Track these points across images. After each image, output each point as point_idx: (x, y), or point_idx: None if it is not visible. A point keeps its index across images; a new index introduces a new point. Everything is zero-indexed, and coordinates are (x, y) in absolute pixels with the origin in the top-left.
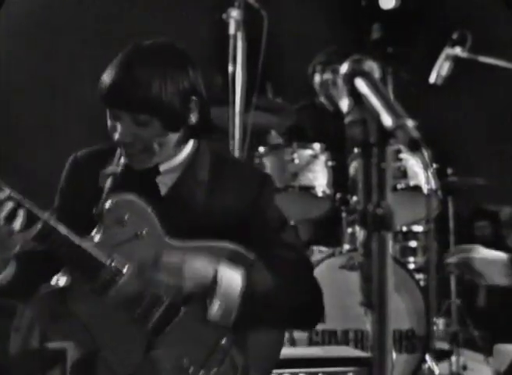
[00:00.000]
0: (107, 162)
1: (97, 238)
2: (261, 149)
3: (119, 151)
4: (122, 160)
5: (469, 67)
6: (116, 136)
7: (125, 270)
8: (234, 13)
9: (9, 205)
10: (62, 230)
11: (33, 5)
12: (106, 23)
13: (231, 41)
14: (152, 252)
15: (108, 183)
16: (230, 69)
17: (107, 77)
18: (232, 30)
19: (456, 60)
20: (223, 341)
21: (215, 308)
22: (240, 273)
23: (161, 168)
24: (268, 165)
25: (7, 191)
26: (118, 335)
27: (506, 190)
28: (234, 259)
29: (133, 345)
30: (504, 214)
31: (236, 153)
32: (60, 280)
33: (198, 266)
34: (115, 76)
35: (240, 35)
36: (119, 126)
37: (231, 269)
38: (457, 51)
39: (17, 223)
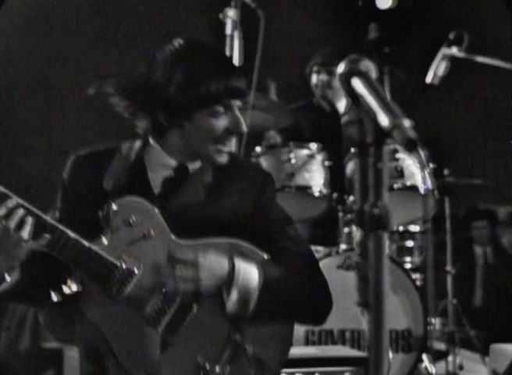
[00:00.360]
0: (108, 163)
1: (105, 241)
2: (258, 149)
3: (123, 151)
4: (131, 160)
5: (466, 67)
6: (239, 125)
7: (136, 271)
8: (231, 13)
9: (18, 212)
10: (72, 234)
11: (33, 5)
12: (103, 23)
13: (228, 41)
14: (162, 251)
15: (113, 184)
16: None
17: (226, 78)
18: (228, 29)
19: (452, 60)
20: (236, 336)
21: (234, 299)
22: (255, 266)
23: (190, 167)
24: (265, 165)
25: (15, 199)
26: (133, 337)
27: (502, 189)
28: (246, 255)
29: (148, 346)
30: (502, 214)
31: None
32: (72, 286)
33: (214, 258)
34: (234, 70)
35: (236, 35)
36: (233, 117)
37: (246, 262)
38: (454, 51)
39: (26, 232)
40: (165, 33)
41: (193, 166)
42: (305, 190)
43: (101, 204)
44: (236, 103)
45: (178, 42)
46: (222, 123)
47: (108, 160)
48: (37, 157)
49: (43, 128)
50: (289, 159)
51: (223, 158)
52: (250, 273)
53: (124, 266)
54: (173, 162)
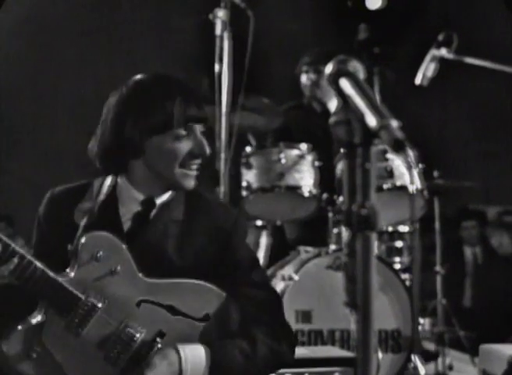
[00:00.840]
0: (83, 198)
1: (72, 274)
2: (248, 149)
3: (95, 187)
4: (102, 196)
5: (456, 68)
6: (202, 147)
7: (100, 305)
8: (220, 13)
9: None
10: (39, 264)
11: (33, 5)
12: (95, 24)
13: (217, 41)
14: (127, 289)
15: (84, 219)
16: (217, 69)
17: (185, 102)
18: (218, 30)
19: (441, 61)
20: None
21: None
22: (201, 347)
23: (157, 201)
24: (255, 165)
25: None
26: (91, 373)
27: (492, 190)
28: (207, 296)
29: None
30: (491, 214)
31: (222, 153)
32: (36, 317)
33: (164, 363)
34: (195, 97)
35: (226, 35)
36: (196, 140)
37: (192, 348)
38: (443, 52)
39: None
40: (156, 34)
41: (161, 199)
42: (295, 190)
43: (73, 238)
44: (199, 127)
45: (131, 80)
46: (185, 146)
47: (81, 196)
48: (29, 157)
49: (35, 128)
50: (280, 159)
51: (190, 183)
52: (196, 361)
53: (88, 300)
54: (141, 196)
